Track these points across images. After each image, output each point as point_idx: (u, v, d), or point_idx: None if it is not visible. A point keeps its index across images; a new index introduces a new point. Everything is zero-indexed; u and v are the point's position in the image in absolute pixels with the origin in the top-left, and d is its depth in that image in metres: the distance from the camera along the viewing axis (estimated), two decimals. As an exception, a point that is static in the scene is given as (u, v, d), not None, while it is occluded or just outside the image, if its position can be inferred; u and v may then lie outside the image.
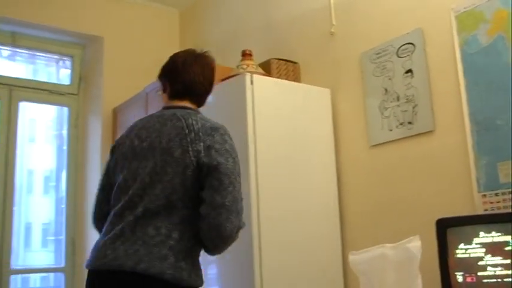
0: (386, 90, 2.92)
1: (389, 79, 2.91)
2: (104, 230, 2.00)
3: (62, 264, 4.53)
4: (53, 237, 4.74)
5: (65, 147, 4.73)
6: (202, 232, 1.85)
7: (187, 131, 1.94)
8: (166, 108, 2.16)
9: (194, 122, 1.97)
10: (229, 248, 1.98)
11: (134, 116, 4.07)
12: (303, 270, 2.85)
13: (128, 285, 1.79)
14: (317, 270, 2.90)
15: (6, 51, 4.63)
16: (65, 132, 4.78)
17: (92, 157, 4.59)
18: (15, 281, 4.46)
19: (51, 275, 4.68)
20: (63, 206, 4.63)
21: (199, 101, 2.19)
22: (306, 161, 3.04)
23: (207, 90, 2.20)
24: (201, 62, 2.20)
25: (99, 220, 2.13)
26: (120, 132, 4.25)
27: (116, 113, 4.54)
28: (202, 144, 1.90)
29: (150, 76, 4.00)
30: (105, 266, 1.86)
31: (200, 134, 1.93)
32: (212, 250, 1.94)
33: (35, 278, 4.80)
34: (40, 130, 5.03)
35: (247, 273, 2.72)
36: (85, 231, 4.53)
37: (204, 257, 3.05)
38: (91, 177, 4.56)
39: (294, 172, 2.97)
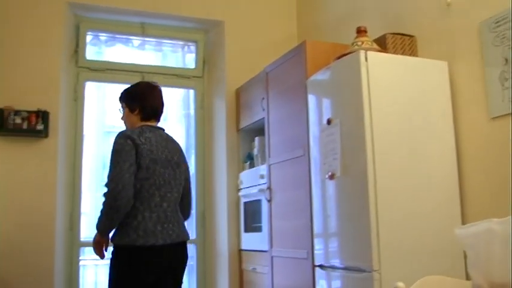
0: (506, 60, 2.83)
1: (510, 48, 2.81)
2: (147, 216, 2.74)
3: (194, 236, 4.88)
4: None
5: (192, 128, 5.04)
6: (186, 210, 3.10)
7: (182, 151, 3.08)
8: (152, 127, 2.96)
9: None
10: (348, 223, 2.83)
11: (256, 96, 4.29)
12: (421, 244, 2.85)
13: (182, 251, 2.92)
14: (436, 245, 2.88)
15: (137, 41, 5.01)
16: (192, 111, 5.09)
17: (218, 136, 4.86)
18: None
19: (185, 245, 5.05)
20: (193, 182, 4.96)
21: (159, 120, 3.05)
22: (424, 136, 3.02)
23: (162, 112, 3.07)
24: (158, 90, 3.06)
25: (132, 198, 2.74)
26: (244, 112, 4.50)
27: (238, 93, 4.76)
28: (186, 161, 3.11)
29: (270, 56, 4.18)
30: (169, 240, 2.79)
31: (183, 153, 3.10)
32: (186, 219, 3.10)
33: (170, 248, 5.20)
34: (171, 110, 5.37)
35: (365, 247, 2.80)
36: (213, 206, 4.83)
37: (325, 232, 3.18)
38: (218, 154, 4.84)
39: (411, 147, 2.97)
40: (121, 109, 3.05)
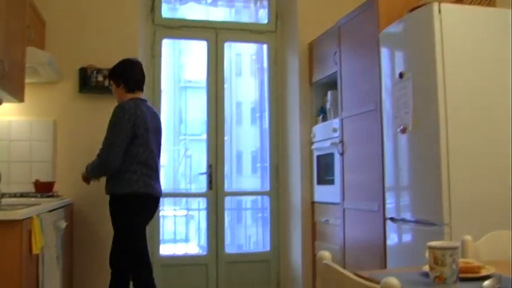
0: None
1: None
2: (139, 171, 3.46)
3: (268, 188, 5.02)
4: (259, 164, 5.24)
5: (265, 82, 5.11)
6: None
7: (160, 118, 3.76)
8: (141, 100, 3.62)
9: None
10: (420, 177, 2.95)
11: (329, 49, 4.29)
12: (492, 199, 2.82)
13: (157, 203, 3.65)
14: (507, 200, 2.85)
15: (209, -2, 5.08)
16: (265, 65, 5.15)
17: (291, 90, 4.90)
18: (229, 201, 5.07)
19: (259, 197, 5.21)
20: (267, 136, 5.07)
21: (143, 91, 3.70)
22: (498, 90, 2.93)
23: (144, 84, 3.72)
24: (138, 65, 3.71)
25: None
26: (317, 66, 4.51)
27: (311, 47, 4.76)
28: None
29: (342, 9, 4.13)
30: (154, 193, 3.55)
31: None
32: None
33: (245, 199, 5.39)
34: (245, 64, 5.45)
35: (436, 201, 2.81)
36: (286, 160, 4.93)
37: (396, 185, 3.20)
38: (291, 108, 4.89)
39: (485, 101, 2.90)
40: (110, 86, 3.71)
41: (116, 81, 3.65)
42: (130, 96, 3.60)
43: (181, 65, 5.34)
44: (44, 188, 3.85)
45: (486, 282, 1.43)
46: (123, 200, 3.46)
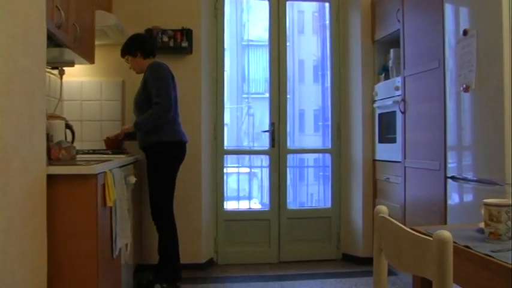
0: None
1: None
2: (179, 122, 3.96)
3: (330, 146, 5.06)
4: (321, 123, 5.28)
5: (328, 39, 5.10)
6: None
7: None
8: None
9: None
10: (482, 136, 2.92)
11: (391, 7, 4.23)
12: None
13: None
14: None
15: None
16: (327, 23, 5.12)
17: (353, 48, 4.87)
18: (292, 159, 5.16)
19: (321, 155, 5.27)
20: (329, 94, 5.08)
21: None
22: None
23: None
24: (145, 34, 4.19)
25: None
26: (379, 24, 4.48)
27: (373, 4, 4.70)
28: None
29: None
30: (187, 140, 4.02)
31: None
32: None
33: (307, 157, 5.47)
34: (307, 22, 5.44)
35: (498, 161, 2.79)
36: (348, 118, 4.94)
37: (458, 144, 3.18)
38: (353, 66, 4.88)
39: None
40: (127, 63, 3.99)
41: (132, 52, 3.92)
42: (148, 62, 3.92)
43: (243, 23, 5.38)
44: (113, 145, 4.05)
45: (540, 240, 1.45)
46: (174, 146, 3.88)
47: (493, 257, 1.36)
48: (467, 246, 1.48)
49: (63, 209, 2.41)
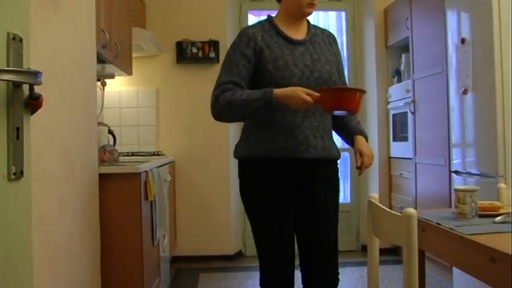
0: None
1: None
2: None
3: (346, 146, 5.41)
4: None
5: (344, 45, 5.46)
6: None
7: None
8: None
9: None
10: (480, 134, 3.24)
11: (402, 15, 4.59)
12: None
13: None
14: None
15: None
16: (343, 29, 5.47)
17: (368, 53, 5.23)
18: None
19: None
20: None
21: None
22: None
23: None
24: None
25: None
26: (391, 31, 4.83)
27: (386, 12, 5.05)
28: None
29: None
30: None
31: None
32: None
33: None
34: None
35: (492, 158, 3.13)
36: (365, 118, 5.30)
37: (461, 142, 3.49)
38: (368, 70, 5.24)
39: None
40: None
41: None
42: None
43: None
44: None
45: (498, 218, 1.83)
46: None
47: (454, 230, 1.74)
48: (438, 223, 1.87)
49: (112, 202, 2.85)
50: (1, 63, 1.07)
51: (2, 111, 1.08)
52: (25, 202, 1.20)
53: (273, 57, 2.23)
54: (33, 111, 1.20)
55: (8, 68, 1.10)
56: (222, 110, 2.23)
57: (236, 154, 2.40)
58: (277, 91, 2.10)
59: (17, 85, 1.12)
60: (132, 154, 4.38)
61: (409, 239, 1.57)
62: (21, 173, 1.17)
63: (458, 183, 3.59)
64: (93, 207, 2.70)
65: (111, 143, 3.98)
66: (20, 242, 1.18)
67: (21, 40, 1.14)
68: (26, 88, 1.15)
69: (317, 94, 2.05)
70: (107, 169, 2.89)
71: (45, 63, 1.92)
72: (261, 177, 2.24)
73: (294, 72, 2.22)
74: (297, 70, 2.23)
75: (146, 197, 3.05)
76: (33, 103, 1.18)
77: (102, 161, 3.22)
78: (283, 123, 2.20)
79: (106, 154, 3.36)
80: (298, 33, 2.35)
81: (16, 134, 1.13)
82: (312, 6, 2.29)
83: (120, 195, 2.87)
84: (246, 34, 2.29)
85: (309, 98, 2.04)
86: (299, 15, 2.33)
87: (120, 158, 3.72)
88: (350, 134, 2.48)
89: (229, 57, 2.29)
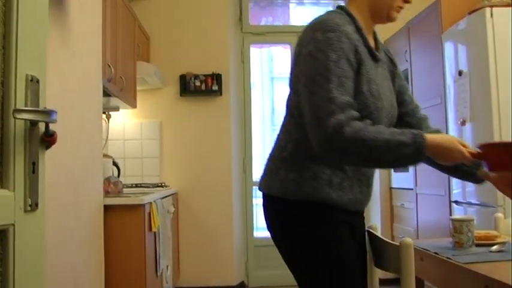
0: None
1: None
2: None
3: (350, 176, 5.46)
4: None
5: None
6: None
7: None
8: None
9: None
10: None
11: (400, 48, 4.68)
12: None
13: None
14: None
15: (293, 4, 5.60)
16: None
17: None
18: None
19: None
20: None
21: None
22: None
23: None
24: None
25: None
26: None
27: (386, 44, 5.12)
28: None
29: (412, 10, 4.47)
30: None
31: None
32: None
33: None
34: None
35: (490, 187, 3.17)
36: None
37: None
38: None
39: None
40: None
41: None
42: None
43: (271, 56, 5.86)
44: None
45: (494, 247, 1.87)
46: None
47: (451, 259, 1.78)
48: (435, 253, 1.91)
49: (116, 233, 2.90)
50: (20, 104, 1.14)
51: (20, 147, 1.14)
52: (39, 233, 1.25)
53: (368, 76, 1.59)
54: (47, 147, 1.27)
55: (26, 108, 1.18)
56: (349, 147, 1.49)
57: (290, 192, 1.67)
58: (432, 137, 1.52)
59: (34, 123, 1.20)
60: (136, 185, 4.43)
61: (406, 268, 1.61)
62: (36, 205, 1.23)
63: (458, 213, 3.63)
64: (98, 238, 2.75)
65: (116, 174, 4.05)
66: (34, 273, 1.23)
67: (38, 81, 1.22)
68: (42, 125, 1.22)
69: (475, 150, 1.60)
70: (111, 200, 2.95)
71: (54, 98, 1.99)
72: (337, 231, 1.67)
73: (384, 104, 1.63)
74: (385, 102, 1.65)
75: (150, 228, 3.10)
76: (48, 139, 1.25)
77: (106, 193, 3.28)
78: (361, 169, 1.70)
79: (111, 185, 3.42)
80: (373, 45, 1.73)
81: (32, 168, 1.20)
82: (399, 11, 1.76)
83: (124, 226, 2.92)
84: (343, 32, 1.56)
85: (468, 154, 1.57)
86: (384, 18, 1.75)
87: (124, 189, 3.78)
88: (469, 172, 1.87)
89: (331, 62, 1.51)
